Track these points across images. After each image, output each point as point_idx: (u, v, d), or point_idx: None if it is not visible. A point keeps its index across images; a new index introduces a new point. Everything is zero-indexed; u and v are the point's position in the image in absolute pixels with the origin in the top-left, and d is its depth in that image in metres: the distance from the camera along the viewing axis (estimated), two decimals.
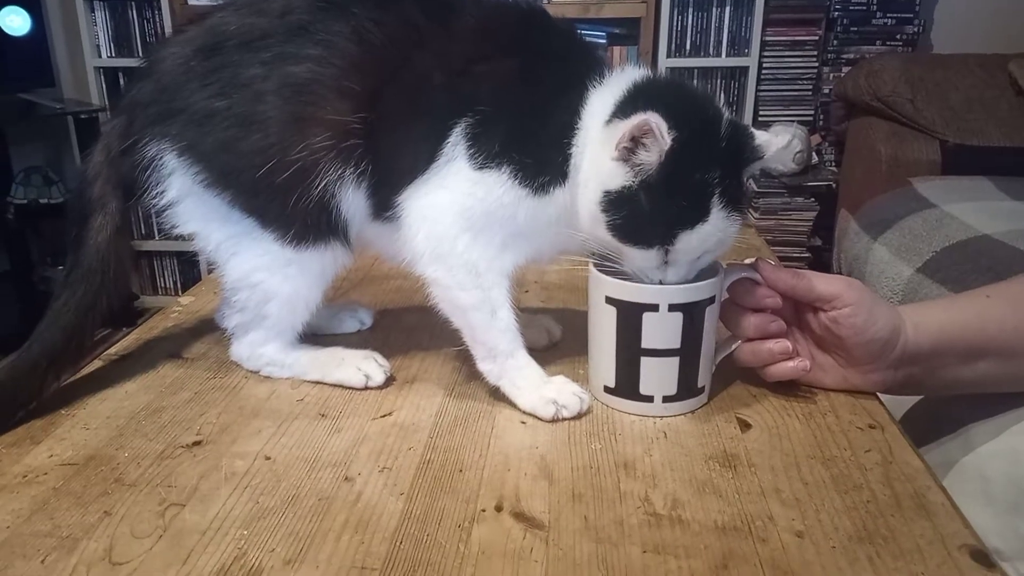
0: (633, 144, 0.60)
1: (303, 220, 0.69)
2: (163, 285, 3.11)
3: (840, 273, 2.06)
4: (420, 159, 0.67)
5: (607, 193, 0.63)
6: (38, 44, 2.84)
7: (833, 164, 2.73)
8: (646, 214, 0.62)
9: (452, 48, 0.67)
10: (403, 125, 0.67)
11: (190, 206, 0.71)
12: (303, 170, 0.66)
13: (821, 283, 0.67)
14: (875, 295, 0.68)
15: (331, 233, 0.71)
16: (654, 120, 0.58)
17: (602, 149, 0.63)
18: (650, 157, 0.60)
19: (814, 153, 2.67)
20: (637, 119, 0.59)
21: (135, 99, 0.70)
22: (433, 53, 0.67)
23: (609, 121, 0.64)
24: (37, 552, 0.51)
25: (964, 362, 0.69)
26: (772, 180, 2.61)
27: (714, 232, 0.63)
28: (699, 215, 0.62)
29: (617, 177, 0.62)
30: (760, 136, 0.65)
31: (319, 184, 0.67)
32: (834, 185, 2.59)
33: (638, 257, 0.64)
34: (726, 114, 0.64)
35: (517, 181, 0.65)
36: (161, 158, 0.69)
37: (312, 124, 0.66)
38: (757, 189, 2.64)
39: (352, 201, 0.70)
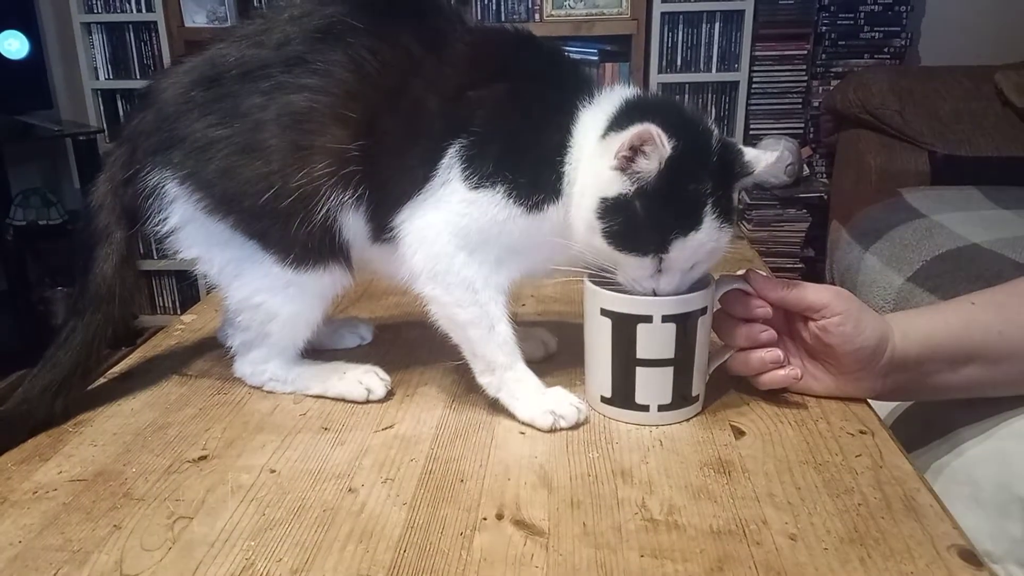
0: (632, 153, 0.62)
1: (304, 243, 0.70)
2: (162, 304, 3.11)
3: (833, 283, 2.08)
4: (416, 181, 0.68)
5: (604, 200, 0.64)
6: (36, 67, 2.87)
7: (824, 176, 2.75)
8: (641, 221, 0.64)
9: (445, 73, 0.69)
10: (400, 149, 0.69)
11: (192, 232, 0.72)
12: (305, 197, 0.68)
13: (810, 293, 0.68)
14: (863, 304, 0.70)
15: (331, 256, 0.72)
16: (655, 129, 0.60)
17: (599, 160, 0.65)
18: (649, 165, 0.62)
19: (805, 165, 2.69)
20: (637, 128, 0.61)
21: (136, 129, 0.72)
22: (427, 79, 0.68)
23: (605, 135, 0.66)
24: (49, 566, 0.52)
25: (951, 368, 0.71)
26: (765, 192, 2.63)
27: (706, 241, 0.64)
28: (692, 223, 0.63)
29: (614, 185, 0.64)
30: (750, 152, 0.67)
31: (320, 210, 0.68)
32: (826, 196, 2.61)
33: (633, 265, 0.66)
34: (715, 130, 0.66)
35: (511, 199, 0.67)
36: (163, 186, 0.70)
37: (313, 152, 0.67)
38: (750, 201, 2.66)
39: (352, 225, 0.71)
